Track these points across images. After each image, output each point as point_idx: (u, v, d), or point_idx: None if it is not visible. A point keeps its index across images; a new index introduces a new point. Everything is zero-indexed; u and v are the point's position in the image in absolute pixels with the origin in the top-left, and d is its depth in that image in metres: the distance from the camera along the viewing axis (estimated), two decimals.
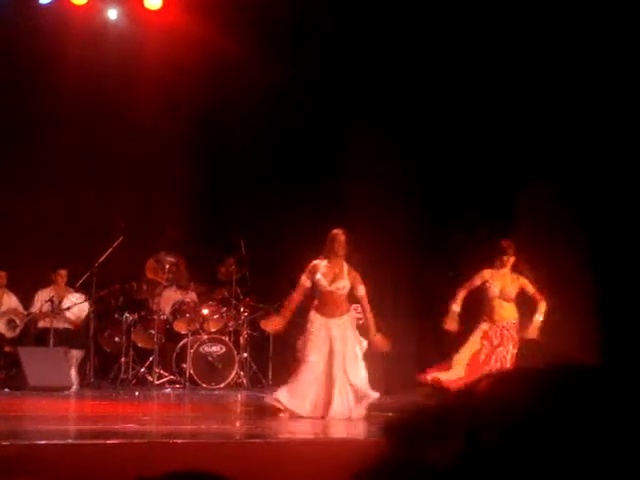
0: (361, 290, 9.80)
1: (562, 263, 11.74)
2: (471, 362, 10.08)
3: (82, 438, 7.54)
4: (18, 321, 13.66)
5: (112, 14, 14.18)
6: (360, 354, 9.65)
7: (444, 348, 10.60)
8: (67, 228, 14.07)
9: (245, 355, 13.91)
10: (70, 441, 7.29)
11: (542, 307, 10.20)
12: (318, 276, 9.69)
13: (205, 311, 13.81)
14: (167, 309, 13.75)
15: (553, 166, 12.27)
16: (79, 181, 14.19)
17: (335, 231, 9.85)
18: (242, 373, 13.72)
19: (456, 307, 10.17)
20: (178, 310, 13.69)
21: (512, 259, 10.16)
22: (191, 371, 13.21)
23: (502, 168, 12.64)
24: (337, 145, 13.96)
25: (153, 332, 13.38)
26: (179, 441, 7.44)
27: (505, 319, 10.21)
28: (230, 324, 14.00)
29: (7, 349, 13.19)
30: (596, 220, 12.06)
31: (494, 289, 10.16)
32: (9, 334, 13.57)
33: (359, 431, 8.83)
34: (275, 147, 14.36)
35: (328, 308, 9.70)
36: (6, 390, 12.19)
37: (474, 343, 10.17)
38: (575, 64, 12.09)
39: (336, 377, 9.45)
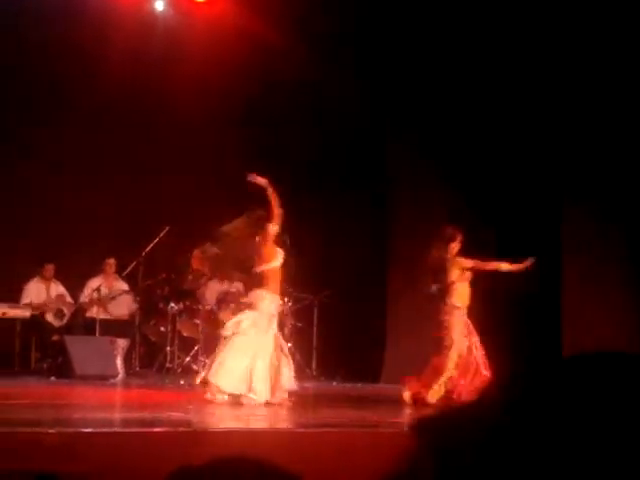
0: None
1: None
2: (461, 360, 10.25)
3: (128, 426, 7.60)
4: (66, 310, 13.82)
5: (159, 5, 14.26)
6: None
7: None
8: (115, 219, 14.18)
9: (289, 345, 13.93)
10: (116, 429, 7.35)
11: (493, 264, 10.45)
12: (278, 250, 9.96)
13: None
14: (212, 299, 13.81)
15: (593, 186, 12.25)
16: (127, 172, 14.29)
17: (260, 212, 10.14)
18: None
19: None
20: (223, 300, 13.73)
21: (457, 245, 10.37)
22: None
23: (543, 191, 12.60)
24: (383, 136, 13.97)
25: (198, 322, 13.44)
26: (223, 429, 7.48)
27: (467, 302, 10.39)
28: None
29: (54, 338, 13.33)
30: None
31: (457, 271, 10.36)
32: (57, 323, 13.73)
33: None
34: (319, 141, 14.36)
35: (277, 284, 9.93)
36: (53, 378, 12.33)
37: (461, 336, 10.27)
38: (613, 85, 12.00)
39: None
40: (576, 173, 12.44)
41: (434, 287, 11.01)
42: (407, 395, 10.11)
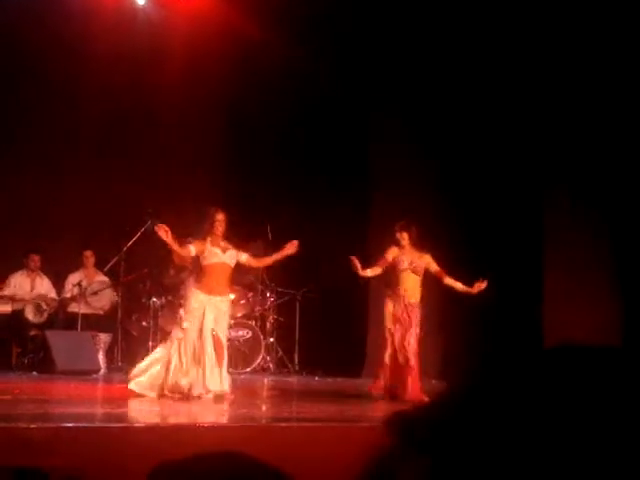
0: (243, 256, 9.96)
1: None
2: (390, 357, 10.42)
3: (110, 421, 7.58)
4: (45, 306, 13.76)
5: None
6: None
7: None
8: (96, 213, 14.13)
9: (271, 340, 13.95)
10: (98, 424, 7.34)
11: (451, 281, 10.51)
12: (210, 248, 9.77)
13: (231, 296, 13.82)
14: None
15: (577, 173, 12.29)
16: (108, 166, 14.24)
17: (213, 209, 9.95)
18: (268, 358, 13.77)
19: (368, 272, 10.58)
20: None
21: (406, 235, 10.49)
22: None
23: (527, 172, 12.64)
24: (365, 134, 13.97)
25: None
26: (205, 424, 7.48)
27: (409, 294, 10.46)
28: (256, 309, 14.03)
29: (33, 333, 13.28)
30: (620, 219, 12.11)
31: (404, 261, 10.45)
32: (36, 319, 13.66)
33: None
34: (302, 134, 14.36)
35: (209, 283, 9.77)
36: (34, 373, 12.29)
37: (388, 333, 10.45)
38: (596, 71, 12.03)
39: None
40: (558, 162, 12.46)
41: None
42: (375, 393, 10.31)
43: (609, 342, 1.08)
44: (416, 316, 10.46)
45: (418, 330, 10.46)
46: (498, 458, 0.95)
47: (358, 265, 10.51)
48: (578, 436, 0.95)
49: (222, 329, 9.86)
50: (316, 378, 13.33)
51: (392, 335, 10.45)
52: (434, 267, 10.57)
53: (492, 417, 0.97)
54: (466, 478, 0.96)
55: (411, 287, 10.53)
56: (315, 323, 13.87)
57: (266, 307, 14.08)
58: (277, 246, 13.78)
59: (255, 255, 10.67)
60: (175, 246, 9.68)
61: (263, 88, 14.01)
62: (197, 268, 9.90)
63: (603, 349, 1.03)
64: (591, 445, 0.94)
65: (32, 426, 6.26)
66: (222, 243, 9.90)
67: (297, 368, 13.83)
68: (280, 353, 13.96)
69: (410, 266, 10.49)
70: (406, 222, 10.68)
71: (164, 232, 9.55)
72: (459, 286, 10.56)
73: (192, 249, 9.75)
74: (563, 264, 12.33)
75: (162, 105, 14.07)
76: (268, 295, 14.13)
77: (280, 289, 14.17)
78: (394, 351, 10.40)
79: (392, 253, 10.58)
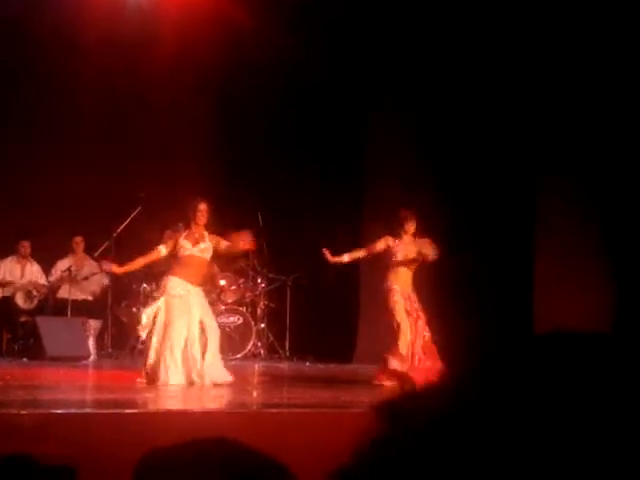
0: (223, 243, 9.98)
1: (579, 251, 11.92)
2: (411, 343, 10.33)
3: (100, 407, 7.58)
4: (35, 292, 13.74)
5: None
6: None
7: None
8: (87, 198, 14.10)
9: (262, 326, 13.95)
10: (88, 410, 7.33)
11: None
12: (181, 241, 9.81)
13: (222, 282, 13.83)
14: None
15: (569, 159, 12.29)
16: (99, 152, 14.20)
17: (196, 200, 10.02)
18: (259, 344, 13.78)
19: (345, 258, 10.54)
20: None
21: (412, 226, 10.39)
22: None
23: (519, 159, 12.64)
24: (358, 121, 13.95)
25: None
26: (196, 410, 7.48)
27: (407, 286, 10.42)
28: (247, 295, 14.03)
29: (23, 319, 13.27)
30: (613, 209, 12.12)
31: (398, 254, 10.36)
32: (26, 306, 13.65)
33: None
34: (294, 121, 14.34)
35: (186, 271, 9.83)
36: (24, 360, 12.28)
37: (404, 321, 10.34)
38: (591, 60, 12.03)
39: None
40: (551, 148, 12.47)
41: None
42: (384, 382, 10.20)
43: (600, 328, 1.07)
44: (419, 305, 10.43)
45: (424, 315, 10.44)
46: (491, 447, 0.94)
47: (328, 255, 10.43)
48: (570, 425, 0.94)
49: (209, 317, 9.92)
50: (307, 364, 13.34)
51: (406, 324, 10.34)
52: (430, 255, 10.37)
53: (483, 407, 0.97)
54: (455, 465, 0.95)
55: (406, 279, 10.46)
56: (306, 309, 13.87)
57: (257, 293, 14.08)
58: (268, 233, 13.85)
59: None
60: (137, 265, 10.11)
61: (254, 75, 13.97)
62: (173, 258, 9.95)
63: (594, 335, 1.03)
64: (585, 435, 0.94)
65: (22, 412, 6.25)
66: (199, 234, 9.91)
67: (288, 354, 13.84)
68: (271, 339, 13.96)
69: (404, 259, 10.40)
70: (412, 211, 10.54)
71: (115, 268, 10.24)
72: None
73: (162, 250, 9.86)
74: (554, 249, 12.34)
75: (153, 92, 14.03)
76: (259, 281, 14.13)
77: (271, 275, 14.18)
78: (412, 339, 10.29)
79: (385, 242, 10.48)
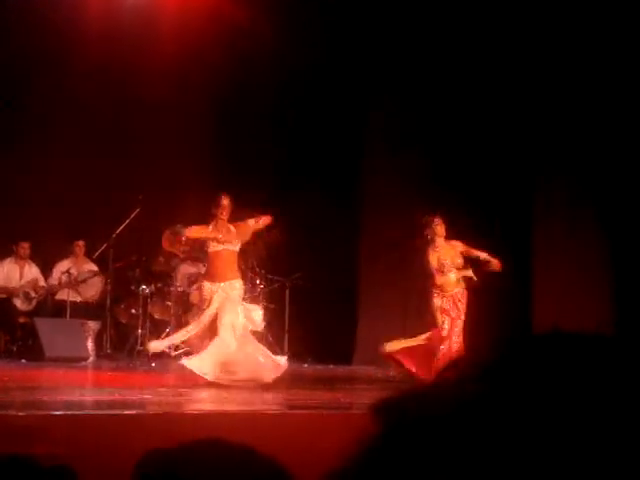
0: (249, 223, 10.29)
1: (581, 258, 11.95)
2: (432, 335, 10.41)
3: (99, 409, 7.57)
4: (33, 294, 13.73)
5: None
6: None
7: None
8: (86, 200, 14.10)
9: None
10: (87, 412, 7.32)
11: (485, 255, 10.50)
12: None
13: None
14: (184, 281, 13.77)
15: (569, 161, 12.30)
16: (98, 152, 14.20)
17: (219, 195, 10.36)
18: None
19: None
20: (195, 282, 13.70)
21: (441, 228, 10.45)
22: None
23: (519, 162, 12.64)
24: (357, 119, 13.96)
25: (170, 304, 13.40)
26: (195, 412, 7.47)
27: (454, 288, 10.48)
28: (246, 296, 14.01)
29: (21, 320, 13.26)
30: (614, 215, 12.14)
31: (447, 262, 10.45)
32: (24, 307, 13.64)
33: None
34: (293, 121, 14.33)
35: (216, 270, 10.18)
36: (23, 361, 12.26)
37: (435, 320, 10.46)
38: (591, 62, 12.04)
39: None
40: (550, 149, 12.46)
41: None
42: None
43: (600, 329, 1.07)
44: (463, 304, 10.52)
45: (464, 317, 10.50)
46: (490, 447, 0.94)
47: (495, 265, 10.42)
48: (570, 425, 0.94)
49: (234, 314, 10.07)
50: (306, 365, 13.34)
51: (444, 328, 10.38)
52: (468, 251, 10.50)
53: (483, 406, 0.96)
54: (455, 465, 0.95)
55: (452, 282, 10.52)
56: (305, 310, 13.87)
57: (255, 294, 14.06)
58: (267, 233, 13.85)
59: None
60: (196, 233, 10.26)
61: (254, 75, 13.97)
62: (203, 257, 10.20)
63: (594, 335, 1.03)
64: (584, 435, 0.93)
65: (21, 414, 6.24)
66: (225, 229, 10.24)
67: (287, 355, 13.82)
68: (270, 340, 13.95)
69: (453, 265, 10.46)
70: (436, 213, 10.57)
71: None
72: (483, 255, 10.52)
73: (210, 228, 10.20)
74: (552, 249, 12.34)
75: (151, 90, 14.01)
76: (258, 282, 14.11)
77: (270, 276, 14.16)
78: (449, 341, 10.34)
79: (433, 259, 10.49)
